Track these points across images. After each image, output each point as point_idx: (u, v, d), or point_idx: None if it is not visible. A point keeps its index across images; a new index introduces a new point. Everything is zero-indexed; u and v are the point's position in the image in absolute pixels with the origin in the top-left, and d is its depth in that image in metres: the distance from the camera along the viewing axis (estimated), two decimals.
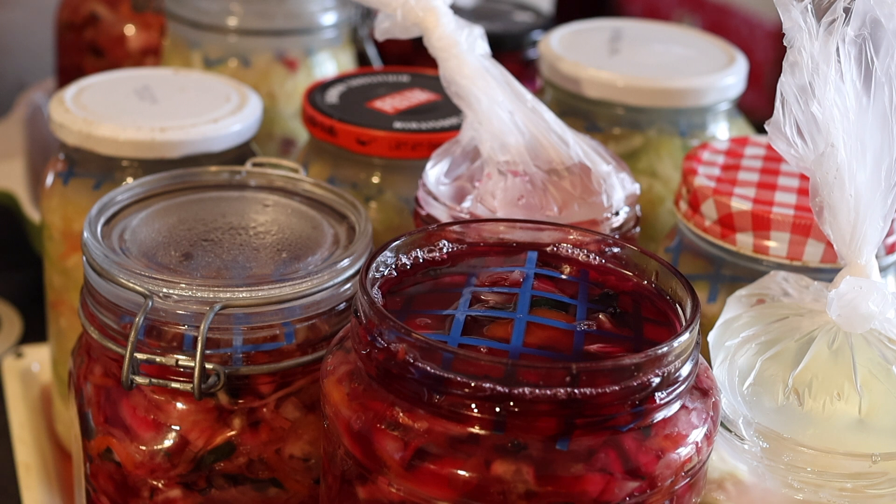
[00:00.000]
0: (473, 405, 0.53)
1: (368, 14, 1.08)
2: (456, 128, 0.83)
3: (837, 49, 0.62)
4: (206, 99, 0.87)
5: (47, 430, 0.94)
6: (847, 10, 0.62)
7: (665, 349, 0.55)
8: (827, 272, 0.72)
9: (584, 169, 0.73)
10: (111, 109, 0.84)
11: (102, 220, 0.71)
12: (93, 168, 0.83)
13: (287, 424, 0.67)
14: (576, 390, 0.53)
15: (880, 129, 0.63)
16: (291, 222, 0.74)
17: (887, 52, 0.62)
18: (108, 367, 0.68)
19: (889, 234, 0.74)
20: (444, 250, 0.65)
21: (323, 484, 0.62)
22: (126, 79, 0.91)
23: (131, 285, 0.65)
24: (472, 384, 0.53)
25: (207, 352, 0.64)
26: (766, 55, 1.54)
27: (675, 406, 0.56)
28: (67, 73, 1.18)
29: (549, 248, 0.66)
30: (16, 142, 1.21)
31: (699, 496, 0.59)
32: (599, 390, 0.53)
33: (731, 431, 0.62)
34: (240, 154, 0.85)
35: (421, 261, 0.64)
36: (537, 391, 0.53)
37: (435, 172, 0.75)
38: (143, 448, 0.66)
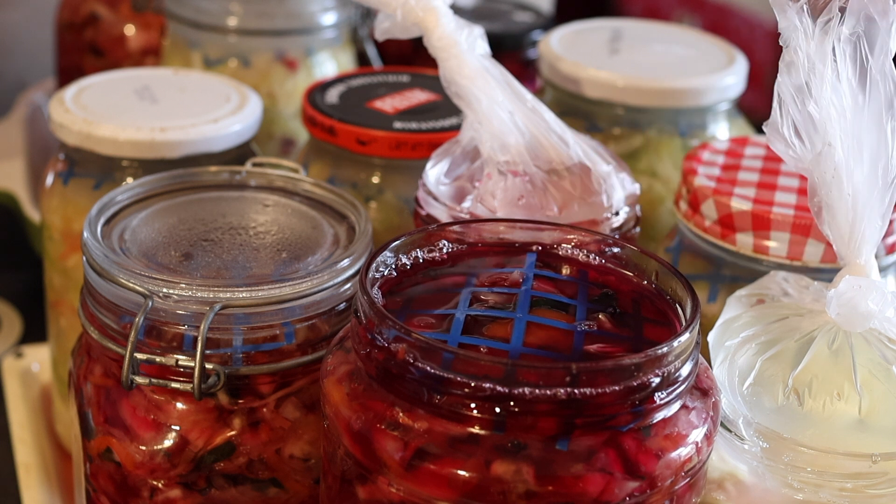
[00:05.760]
0: (473, 405, 0.53)
1: (368, 14, 1.08)
2: (456, 128, 0.83)
3: (833, 48, 0.62)
4: (206, 99, 0.88)
5: (47, 430, 0.94)
6: (842, 10, 0.62)
7: (665, 349, 0.55)
8: (827, 272, 0.72)
9: (584, 169, 0.73)
10: (111, 109, 0.84)
11: (102, 220, 0.71)
12: (93, 168, 0.83)
13: (287, 424, 0.67)
14: (576, 390, 0.53)
15: (876, 126, 0.63)
16: (291, 222, 0.74)
17: (881, 50, 0.62)
18: (108, 367, 0.68)
19: (888, 234, 0.74)
20: (444, 250, 0.65)
21: (323, 484, 0.62)
22: (126, 79, 0.91)
23: (131, 285, 0.65)
24: (472, 384, 0.53)
25: (207, 352, 0.64)
26: (766, 55, 1.54)
27: (675, 406, 0.57)
28: (67, 73, 1.18)
29: (549, 249, 0.66)
30: (16, 142, 1.21)
31: (699, 496, 0.59)
32: (599, 390, 0.53)
33: (731, 431, 0.62)
34: (240, 154, 0.85)
35: (421, 261, 0.64)
36: (537, 391, 0.53)
37: (435, 172, 0.75)
38: (143, 448, 0.66)
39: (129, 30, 1.16)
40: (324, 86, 0.90)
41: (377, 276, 0.62)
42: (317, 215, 0.74)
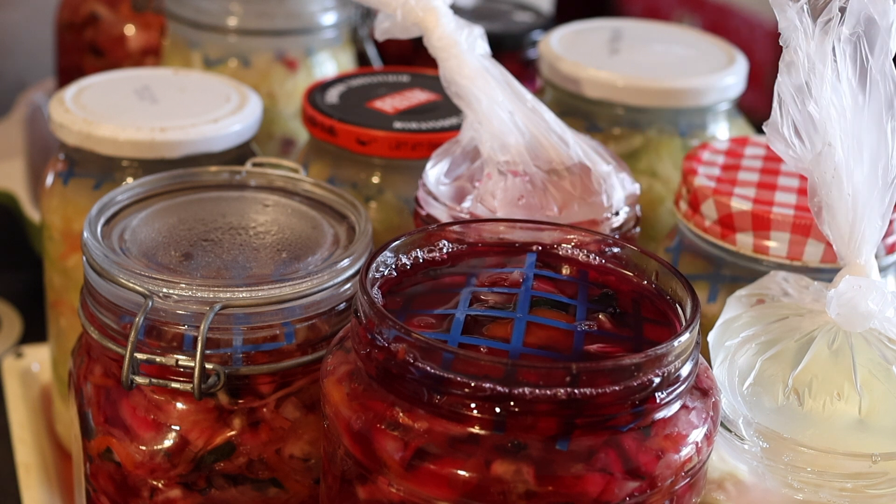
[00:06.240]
0: (473, 405, 0.53)
1: (368, 14, 1.08)
2: (456, 128, 0.83)
3: (833, 48, 0.62)
4: (206, 99, 0.88)
5: (47, 430, 0.94)
6: (842, 10, 0.62)
7: (665, 349, 0.55)
8: (827, 272, 0.73)
9: (584, 169, 0.73)
10: (111, 109, 0.84)
11: (102, 220, 0.71)
12: (93, 168, 0.83)
13: (287, 424, 0.67)
14: (576, 390, 0.53)
15: (876, 127, 0.63)
16: (291, 222, 0.74)
17: (881, 50, 0.62)
18: (108, 367, 0.68)
19: (888, 234, 0.74)
20: (444, 250, 0.65)
21: (323, 484, 0.62)
22: (126, 79, 0.91)
23: (131, 285, 0.65)
24: (472, 384, 0.53)
25: (207, 352, 0.64)
26: (766, 55, 1.54)
27: (676, 406, 0.57)
28: (67, 73, 1.18)
29: (549, 249, 0.66)
30: (16, 142, 1.21)
31: (699, 496, 0.59)
32: (599, 390, 0.53)
33: (731, 431, 0.62)
34: (240, 154, 0.85)
35: (421, 261, 0.64)
36: (537, 391, 0.53)
37: (435, 172, 0.75)
38: (143, 448, 0.66)
39: (129, 30, 1.16)
40: (324, 86, 0.90)
41: (377, 276, 0.62)
42: (317, 215, 0.74)
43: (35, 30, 1.45)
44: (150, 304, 0.64)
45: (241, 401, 0.66)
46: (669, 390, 0.55)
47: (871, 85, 0.63)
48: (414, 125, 0.84)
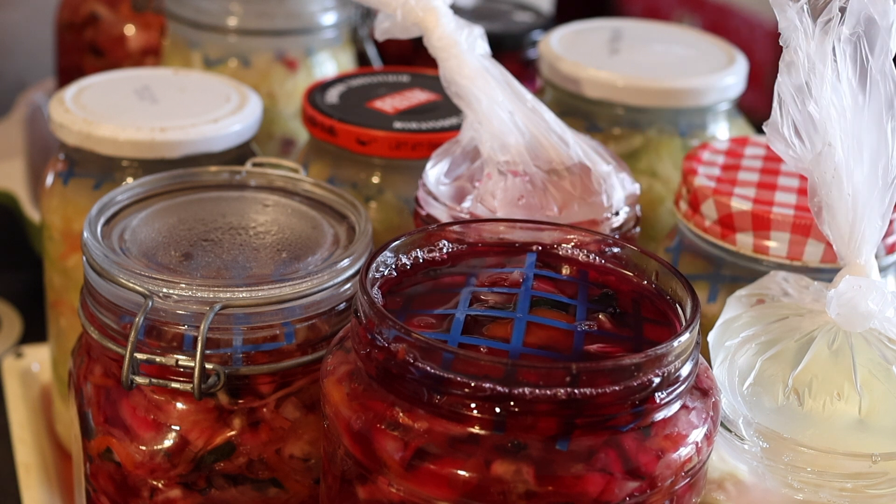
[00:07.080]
0: (473, 405, 0.53)
1: (368, 14, 1.08)
2: (456, 128, 0.83)
3: (833, 48, 0.62)
4: (206, 99, 0.88)
5: (47, 430, 0.94)
6: (842, 10, 0.62)
7: (665, 349, 0.55)
8: (827, 272, 0.73)
9: (584, 169, 0.73)
10: (111, 109, 0.84)
11: (102, 220, 0.71)
12: (93, 168, 0.83)
13: (287, 424, 0.67)
14: (576, 390, 0.53)
15: (876, 127, 0.63)
16: (291, 222, 0.74)
17: (882, 50, 0.62)
18: (108, 367, 0.68)
19: (888, 234, 0.74)
20: (444, 250, 0.65)
21: (323, 484, 0.62)
22: (126, 79, 0.91)
23: (131, 285, 0.65)
24: (472, 384, 0.53)
25: (207, 352, 0.64)
26: (766, 55, 1.54)
27: (676, 406, 0.57)
28: (67, 73, 1.18)
29: (549, 249, 0.66)
30: (16, 142, 1.21)
31: (699, 496, 0.59)
32: (599, 390, 0.53)
33: (731, 431, 0.62)
34: (240, 154, 0.85)
35: (421, 261, 0.64)
36: (537, 391, 0.53)
37: (435, 172, 0.75)
38: (143, 448, 0.66)
39: (129, 30, 1.16)
40: (324, 86, 0.90)
41: (377, 276, 0.62)
42: (317, 215, 0.74)
43: (35, 30, 1.45)
44: (150, 304, 0.64)
45: (241, 401, 0.66)
46: (669, 390, 0.55)
47: (871, 85, 0.63)
48: (414, 125, 0.84)
